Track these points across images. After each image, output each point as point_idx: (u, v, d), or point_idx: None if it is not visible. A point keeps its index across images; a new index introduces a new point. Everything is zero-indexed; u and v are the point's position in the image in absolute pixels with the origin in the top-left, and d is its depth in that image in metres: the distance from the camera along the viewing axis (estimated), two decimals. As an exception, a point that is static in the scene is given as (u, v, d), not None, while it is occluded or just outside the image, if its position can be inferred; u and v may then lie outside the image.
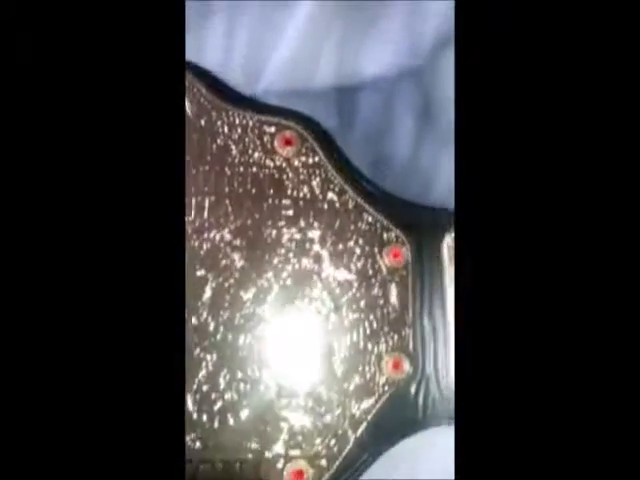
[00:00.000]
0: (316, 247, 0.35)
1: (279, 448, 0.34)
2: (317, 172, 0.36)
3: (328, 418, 0.34)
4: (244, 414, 0.34)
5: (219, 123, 0.36)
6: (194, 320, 0.34)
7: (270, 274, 0.35)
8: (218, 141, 0.36)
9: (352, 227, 0.36)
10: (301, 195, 0.36)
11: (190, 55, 0.34)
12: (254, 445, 0.34)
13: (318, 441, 0.34)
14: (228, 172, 0.35)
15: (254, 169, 0.36)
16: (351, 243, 0.36)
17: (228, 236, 0.35)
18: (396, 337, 0.35)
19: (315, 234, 0.35)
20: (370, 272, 0.35)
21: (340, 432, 0.34)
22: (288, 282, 0.35)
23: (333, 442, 0.34)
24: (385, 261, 0.35)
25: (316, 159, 0.36)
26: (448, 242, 0.36)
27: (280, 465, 0.34)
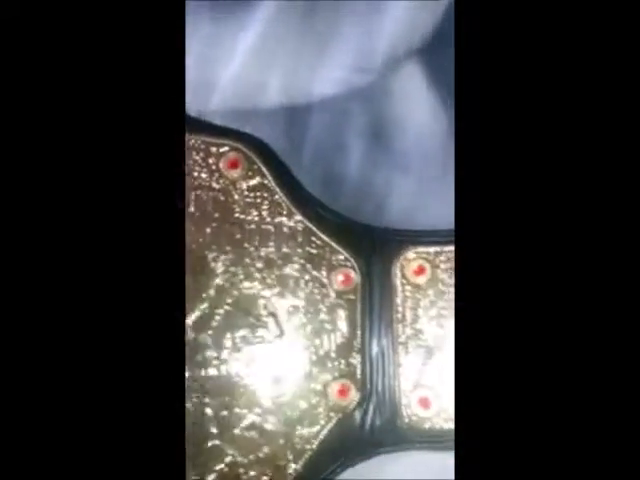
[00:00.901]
0: (262, 272, 0.35)
1: None
2: (265, 195, 0.35)
3: (268, 449, 0.34)
4: (182, 445, 0.34)
5: (164, 144, 0.35)
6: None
7: (213, 300, 0.34)
8: (163, 163, 0.35)
9: (300, 251, 0.35)
10: (248, 218, 0.35)
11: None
12: (191, 477, 0.33)
13: (255, 473, 0.33)
14: (172, 195, 0.35)
15: (199, 191, 0.35)
16: (298, 267, 0.35)
17: (170, 261, 0.34)
18: (343, 363, 0.34)
19: (262, 258, 0.35)
20: (318, 297, 0.35)
21: (282, 463, 0.34)
22: (232, 308, 0.34)
23: (273, 473, 0.33)
24: (334, 285, 0.35)
25: (264, 181, 0.35)
26: (402, 264, 0.35)
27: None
